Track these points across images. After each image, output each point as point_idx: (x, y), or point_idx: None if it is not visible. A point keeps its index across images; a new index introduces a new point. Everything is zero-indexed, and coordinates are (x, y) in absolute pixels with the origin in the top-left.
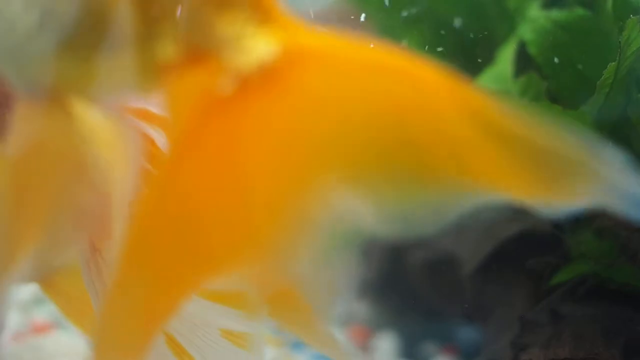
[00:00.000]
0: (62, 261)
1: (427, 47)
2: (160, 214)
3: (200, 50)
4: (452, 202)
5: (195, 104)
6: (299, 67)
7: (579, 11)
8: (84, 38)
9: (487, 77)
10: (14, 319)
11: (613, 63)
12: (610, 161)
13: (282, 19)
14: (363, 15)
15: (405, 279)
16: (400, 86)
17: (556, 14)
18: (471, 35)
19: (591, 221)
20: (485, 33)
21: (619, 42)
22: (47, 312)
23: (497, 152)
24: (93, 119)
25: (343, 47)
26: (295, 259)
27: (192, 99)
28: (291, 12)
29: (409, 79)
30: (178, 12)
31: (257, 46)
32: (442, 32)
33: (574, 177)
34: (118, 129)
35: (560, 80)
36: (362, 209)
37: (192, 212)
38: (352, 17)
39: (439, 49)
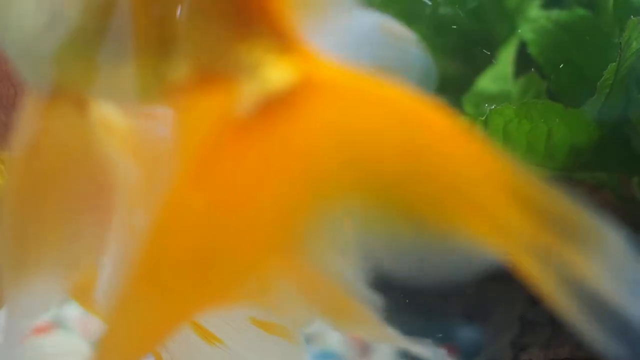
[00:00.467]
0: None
1: (426, 47)
2: (171, 234)
3: (217, 75)
4: (460, 255)
5: (210, 128)
6: (314, 98)
7: (580, 11)
8: (88, 41)
9: (488, 78)
10: None
11: (613, 64)
12: (614, 241)
13: (302, 50)
14: None
15: (406, 279)
16: (412, 128)
17: (556, 14)
18: (471, 35)
19: None
20: (486, 33)
21: (619, 42)
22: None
23: (508, 211)
24: (107, 117)
25: (362, 83)
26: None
27: (205, 123)
28: (312, 43)
29: (423, 123)
30: (195, 35)
31: (274, 75)
32: (442, 32)
33: (579, 251)
34: (132, 128)
35: (560, 81)
36: (375, 243)
37: (203, 235)
38: None
39: (439, 49)
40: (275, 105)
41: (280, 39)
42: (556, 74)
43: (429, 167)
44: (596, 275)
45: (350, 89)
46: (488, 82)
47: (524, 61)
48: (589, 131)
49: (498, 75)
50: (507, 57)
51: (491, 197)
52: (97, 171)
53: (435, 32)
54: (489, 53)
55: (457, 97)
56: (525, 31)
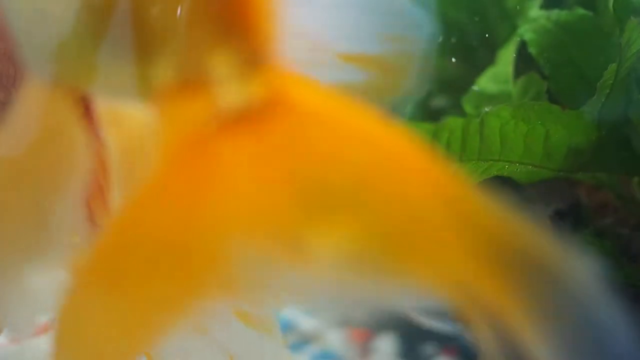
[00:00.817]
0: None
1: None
2: (132, 237)
3: (194, 84)
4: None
5: (181, 135)
6: (281, 117)
7: (580, 11)
8: (86, 36)
9: (487, 78)
10: None
11: (613, 64)
12: (584, 272)
13: (276, 68)
14: None
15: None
16: (379, 157)
17: (557, 14)
18: (471, 36)
19: (591, 221)
20: (486, 33)
21: (620, 43)
22: None
23: (465, 243)
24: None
25: (332, 106)
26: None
27: (179, 129)
28: (289, 62)
29: (389, 152)
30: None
31: (245, 90)
32: (442, 32)
33: (540, 284)
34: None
35: (560, 81)
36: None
37: (162, 240)
38: None
39: (439, 49)
40: (242, 122)
41: (255, 54)
42: (556, 74)
43: (385, 198)
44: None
45: (319, 113)
46: (488, 82)
47: (524, 61)
48: (588, 132)
49: (498, 76)
50: (507, 57)
51: (444, 236)
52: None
53: (436, 32)
54: (489, 50)
55: (457, 97)
56: (525, 31)
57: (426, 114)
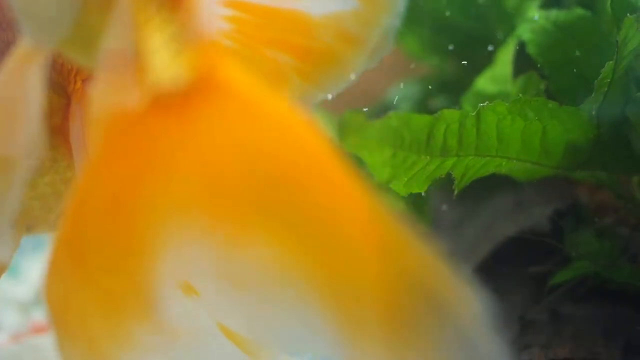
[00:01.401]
0: None
1: (426, 47)
2: (85, 214)
3: (124, 58)
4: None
5: (112, 111)
6: (208, 100)
7: (578, 11)
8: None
9: (487, 78)
10: (14, 319)
11: (611, 62)
12: (474, 308)
13: (208, 47)
14: None
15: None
16: (299, 158)
17: (555, 14)
18: (471, 36)
19: (591, 221)
20: (485, 34)
21: (617, 41)
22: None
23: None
24: None
25: (260, 95)
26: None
27: (111, 104)
28: (219, 41)
29: (310, 156)
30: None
31: (173, 67)
32: (442, 32)
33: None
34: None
35: (559, 80)
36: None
37: (106, 217)
38: None
39: (439, 49)
40: (169, 100)
41: (185, 30)
42: (555, 73)
43: (298, 201)
44: None
45: (242, 98)
46: (487, 82)
47: (522, 61)
48: (585, 129)
49: (497, 76)
50: (505, 57)
51: (352, 247)
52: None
53: (435, 32)
54: (489, 50)
55: (457, 97)
56: (523, 31)
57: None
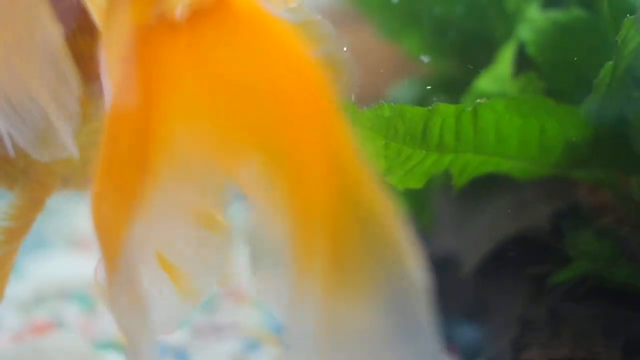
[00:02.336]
0: None
1: (426, 47)
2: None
3: None
4: None
5: (129, 31)
6: (221, 21)
7: (577, 11)
8: None
9: (486, 78)
10: (14, 319)
11: (610, 62)
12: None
13: None
14: (363, 15)
15: None
16: (291, 79)
17: (554, 14)
18: (471, 36)
19: (591, 221)
20: (485, 33)
21: (616, 41)
22: (47, 312)
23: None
24: None
25: (271, 23)
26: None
27: (128, 24)
28: None
29: (300, 77)
30: None
31: None
32: (442, 32)
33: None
34: None
35: (559, 80)
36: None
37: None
38: (352, 17)
39: (439, 49)
40: (188, 19)
41: None
42: (554, 73)
43: (279, 114)
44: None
45: (254, 22)
46: (487, 82)
47: (522, 61)
48: (583, 127)
49: (496, 76)
50: (505, 58)
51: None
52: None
53: (435, 32)
54: (489, 50)
55: (457, 97)
56: (523, 31)
57: None
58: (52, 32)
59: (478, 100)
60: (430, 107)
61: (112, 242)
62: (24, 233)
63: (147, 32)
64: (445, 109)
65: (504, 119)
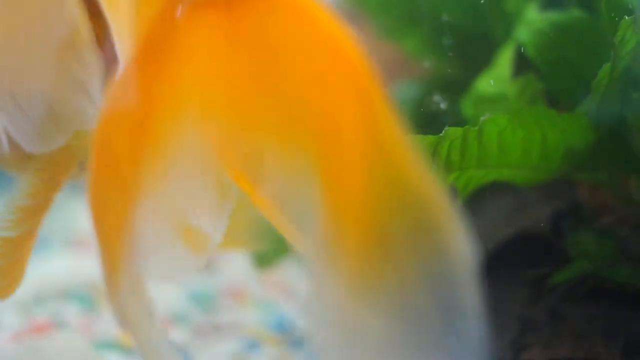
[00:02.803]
0: None
1: (426, 47)
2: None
3: None
4: None
5: (155, 8)
6: (252, 2)
7: (575, 12)
8: None
9: (486, 79)
10: (13, 319)
11: (608, 63)
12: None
13: None
14: (363, 15)
15: None
16: (332, 69)
17: (553, 15)
18: (470, 36)
19: (591, 221)
20: (484, 35)
21: (614, 42)
22: (47, 312)
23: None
24: None
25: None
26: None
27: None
28: None
29: (341, 66)
30: None
31: None
32: (442, 32)
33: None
34: None
35: (557, 81)
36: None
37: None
38: (352, 17)
39: (439, 50)
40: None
41: None
42: (553, 75)
43: (320, 115)
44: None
45: (305, 9)
46: (486, 83)
47: (521, 62)
48: (585, 135)
49: (496, 77)
50: (504, 59)
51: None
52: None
53: (435, 32)
54: (488, 51)
55: (456, 97)
56: (522, 33)
57: (424, 114)
58: (73, 13)
59: (482, 118)
60: (440, 135)
61: (112, 235)
62: (43, 211)
63: (182, 10)
64: (453, 133)
65: (506, 132)
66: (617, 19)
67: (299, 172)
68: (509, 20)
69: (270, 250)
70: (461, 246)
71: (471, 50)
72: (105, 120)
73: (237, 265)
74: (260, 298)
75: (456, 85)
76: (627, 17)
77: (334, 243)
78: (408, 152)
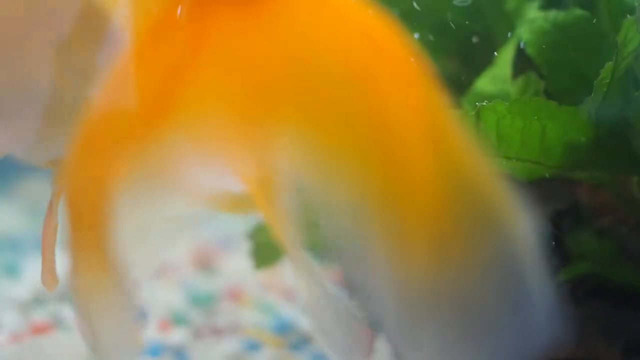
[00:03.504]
0: None
1: (426, 47)
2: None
3: None
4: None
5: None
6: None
7: (577, 12)
8: None
9: (486, 78)
10: (13, 319)
11: (610, 62)
12: (526, 228)
13: None
14: None
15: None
16: (368, 57)
17: (554, 14)
18: (470, 36)
19: (591, 221)
20: (485, 34)
21: (616, 41)
22: (47, 312)
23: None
24: None
25: None
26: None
27: None
28: None
29: (384, 54)
30: None
31: None
32: (442, 32)
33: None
34: None
35: (558, 81)
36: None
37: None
38: None
39: (439, 49)
40: None
41: None
42: (554, 74)
43: (360, 103)
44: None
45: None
46: (486, 82)
47: (522, 62)
48: (584, 129)
49: (496, 76)
50: (505, 58)
51: (408, 157)
52: None
53: (435, 32)
54: (489, 50)
55: (457, 98)
56: (523, 32)
57: None
58: None
59: (480, 103)
60: None
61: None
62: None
63: (188, 6)
64: None
65: (505, 121)
66: (619, 18)
67: (348, 175)
68: (510, 19)
69: (270, 251)
70: (523, 227)
71: (471, 49)
72: (97, 113)
73: (236, 266)
74: (259, 299)
75: (456, 85)
76: (629, 17)
77: (403, 240)
78: (463, 138)
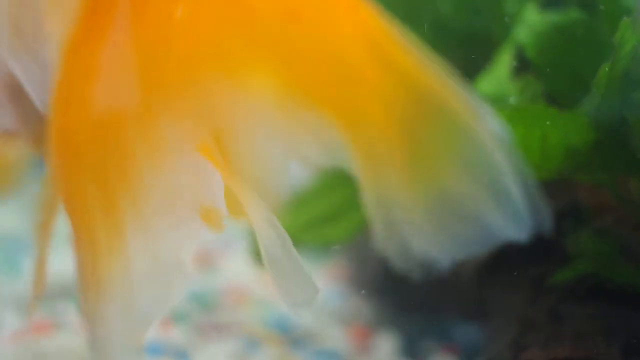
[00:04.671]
0: None
1: (426, 47)
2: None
3: None
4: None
5: None
6: None
7: (575, 13)
8: None
9: (485, 80)
10: (13, 319)
11: (607, 64)
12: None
13: None
14: None
15: (406, 279)
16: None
17: (552, 16)
18: (470, 36)
19: (591, 221)
20: (483, 36)
21: (613, 42)
22: (47, 312)
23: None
24: None
25: None
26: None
27: None
28: None
29: None
30: None
31: None
32: (441, 33)
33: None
34: None
35: (556, 82)
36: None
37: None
38: None
39: (439, 50)
40: None
41: None
42: (552, 75)
43: (309, 34)
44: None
45: None
46: (485, 84)
47: (520, 63)
48: (584, 133)
49: (495, 78)
50: (504, 59)
51: (361, 77)
52: None
53: (435, 33)
54: (488, 51)
55: None
56: (521, 33)
57: None
58: None
59: None
60: None
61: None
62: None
63: None
64: None
65: (506, 129)
66: (616, 19)
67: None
68: (508, 21)
69: None
70: (486, 123)
71: (470, 51)
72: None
73: (237, 265)
74: (260, 297)
75: None
76: (626, 18)
77: (377, 161)
78: (412, 53)
